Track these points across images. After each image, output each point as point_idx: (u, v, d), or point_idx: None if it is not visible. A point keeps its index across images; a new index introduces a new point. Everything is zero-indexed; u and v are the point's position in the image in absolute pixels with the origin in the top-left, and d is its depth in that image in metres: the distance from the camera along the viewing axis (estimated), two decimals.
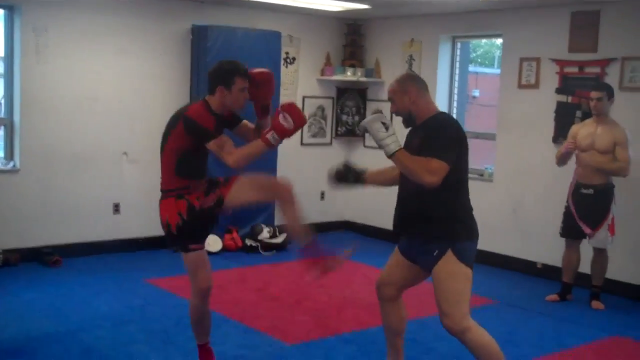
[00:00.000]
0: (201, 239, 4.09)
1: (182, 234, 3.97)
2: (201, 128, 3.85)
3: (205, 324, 4.25)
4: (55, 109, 6.79)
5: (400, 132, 3.66)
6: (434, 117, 3.76)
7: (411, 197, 3.75)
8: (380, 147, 3.59)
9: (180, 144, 3.92)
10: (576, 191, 5.94)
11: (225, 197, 3.98)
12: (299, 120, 3.86)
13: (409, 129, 3.86)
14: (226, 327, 5.10)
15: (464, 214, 3.74)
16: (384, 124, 3.57)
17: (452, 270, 3.66)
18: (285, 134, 3.86)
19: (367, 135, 8.63)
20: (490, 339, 3.70)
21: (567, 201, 6.01)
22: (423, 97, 3.78)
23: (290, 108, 3.87)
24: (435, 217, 3.67)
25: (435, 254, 3.67)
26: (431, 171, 3.50)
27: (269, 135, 3.84)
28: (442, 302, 3.69)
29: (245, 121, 4.20)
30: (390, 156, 3.55)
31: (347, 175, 3.99)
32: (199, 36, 7.37)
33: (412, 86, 3.77)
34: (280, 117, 3.84)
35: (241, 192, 4.01)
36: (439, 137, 3.61)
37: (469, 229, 3.73)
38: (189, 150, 3.93)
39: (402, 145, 3.67)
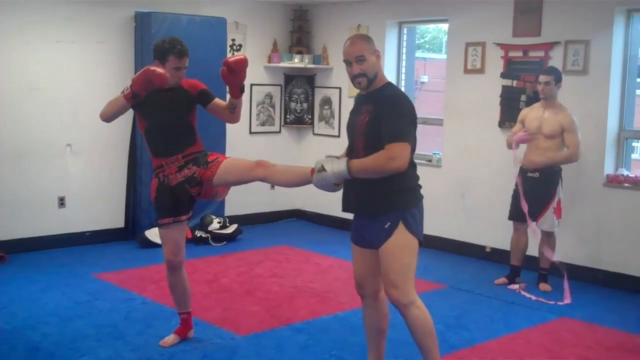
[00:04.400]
0: (169, 214, 4.42)
1: (155, 209, 4.50)
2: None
3: (175, 295, 4.63)
4: None
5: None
6: (386, 89, 3.65)
7: None
8: (340, 178, 3.52)
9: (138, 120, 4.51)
10: (522, 174, 6.00)
11: (207, 178, 4.30)
12: (144, 70, 4.09)
13: (356, 98, 3.83)
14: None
15: (415, 182, 3.69)
16: (321, 168, 3.54)
17: (403, 242, 3.61)
18: (133, 80, 4.10)
19: (316, 122, 8.62)
20: (431, 319, 3.70)
21: (516, 185, 6.07)
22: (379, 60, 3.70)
23: (146, 70, 4.12)
24: (389, 189, 3.57)
25: (387, 226, 3.60)
26: (394, 157, 3.44)
27: (124, 87, 4.18)
28: (391, 273, 3.62)
29: (216, 100, 4.49)
30: (350, 174, 3.49)
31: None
32: (143, 23, 7.24)
33: (375, 47, 3.66)
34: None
35: (225, 174, 4.30)
36: (399, 118, 3.52)
37: (416, 196, 3.69)
38: (144, 126, 4.39)
39: (349, 117, 3.74)
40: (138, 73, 4.14)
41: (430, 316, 3.71)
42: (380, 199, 3.60)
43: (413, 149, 3.61)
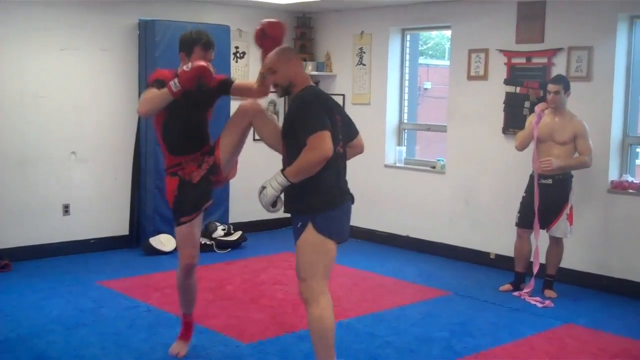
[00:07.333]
0: (195, 210, 4.30)
1: (175, 209, 4.30)
2: (148, 83, 4.18)
3: (187, 297, 4.53)
4: None
5: None
6: (301, 91, 3.86)
7: None
8: (280, 188, 3.72)
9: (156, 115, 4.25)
10: (534, 181, 5.95)
11: (218, 158, 4.24)
12: (197, 66, 3.97)
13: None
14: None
15: (319, 188, 3.77)
16: (262, 189, 3.77)
17: (307, 242, 3.79)
18: (183, 77, 3.96)
19: None
20: (329, 324, 3.78)
21: (525, 191, 6.05)
22: (302, 67, 3.99)
23: (196, 63, 4.03)
24: (294, 193, 3.78)
25: (299, 226, 3.82)
26: (314, 147, 3.60)
27: (171, 82, 3.99)
28: (299, 270, 3.85)
29: (237, 82, 4.53)
30: (288, 182, 3.69)
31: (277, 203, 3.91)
32: (147, 31, 7.26)
33: (294, 56, 3.96)
34: (184, 66, 4.05)
35: (224, 142, 4.25)
36: (307, 113, 3.71)
37: (327, 201, 3.80)
38: (162, 119, 4.21)
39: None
40: (186, 70, 3.98)
41: (329, 322, 3.79)
42: (295, 201, 3.83)
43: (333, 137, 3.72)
